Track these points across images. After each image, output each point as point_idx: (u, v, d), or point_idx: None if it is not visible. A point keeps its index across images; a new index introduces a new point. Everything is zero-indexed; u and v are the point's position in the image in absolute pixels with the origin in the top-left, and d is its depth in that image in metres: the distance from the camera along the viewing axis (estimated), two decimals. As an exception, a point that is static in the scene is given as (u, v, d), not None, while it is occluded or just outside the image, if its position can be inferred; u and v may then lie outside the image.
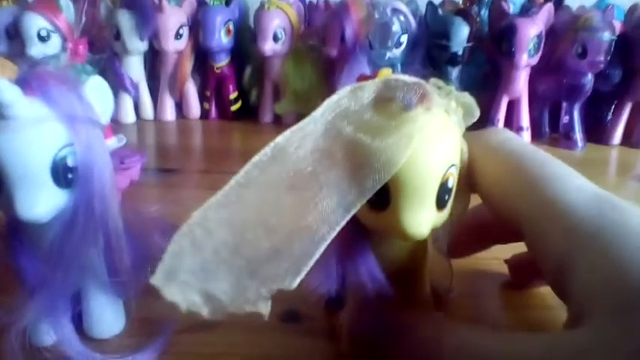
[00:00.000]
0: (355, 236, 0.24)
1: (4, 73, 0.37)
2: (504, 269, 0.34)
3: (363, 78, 0.24)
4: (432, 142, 0.22)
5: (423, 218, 0.22)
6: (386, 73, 0.24)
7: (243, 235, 0.23)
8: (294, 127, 0.23)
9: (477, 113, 0.24)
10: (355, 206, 0.22)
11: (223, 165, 0.57)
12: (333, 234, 0.22)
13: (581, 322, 0.19)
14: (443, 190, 0.22)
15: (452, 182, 0.23)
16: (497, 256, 0.33)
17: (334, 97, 0.23)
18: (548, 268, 0.22)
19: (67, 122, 0.23)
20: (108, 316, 0.28)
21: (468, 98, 0.24)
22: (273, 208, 0.23)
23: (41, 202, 0.22)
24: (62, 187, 0.23)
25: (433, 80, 0.24)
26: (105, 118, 0.26)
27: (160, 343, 0.27)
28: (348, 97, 0.23)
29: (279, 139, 0.23)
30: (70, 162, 0.23)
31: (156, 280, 0.24)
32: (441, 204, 0.23)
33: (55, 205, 0.23)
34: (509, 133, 0.26)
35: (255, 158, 0.23)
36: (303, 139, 0.23)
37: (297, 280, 0.21)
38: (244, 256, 0.23)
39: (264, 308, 0.22)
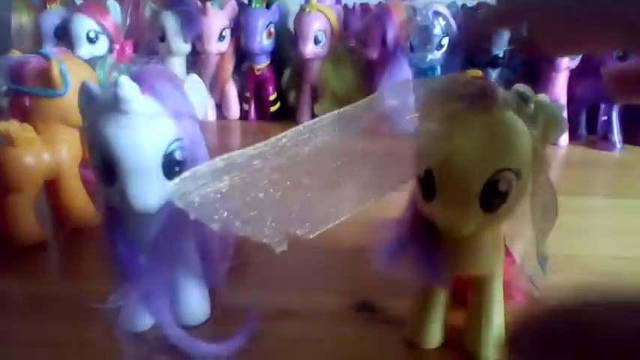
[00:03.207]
0: (423, 229, 0.25)
1: (83, 71, 0.38)
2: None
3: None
4: (480, 141, 0.22)
5: (461, 214, 0.22)
6: (473, 73, 0.25)
7: (284, 182, 0.23)
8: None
9: (564, 126, 0.24)
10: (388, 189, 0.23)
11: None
12: (354, 211, 0.23)
13: None
14: (489, 192, 0.22)
15: (504, 186, 0.22)
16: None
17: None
18: None
19: (175, 118, 0.24)
20: (196, 305, 0.29)
21: (554, 112, 0.24)
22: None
23: (152, 193, 0.24)
24: (170, 179, 0.24)
25: (519, 86, 0.24)
26: (201, 113, 0.27)
27: (247, 330, 0.28)
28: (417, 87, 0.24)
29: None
30: (178, 156, 0.24)
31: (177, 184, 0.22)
32: (488, 206, 0.22)
33: (164, 197, 0.24)
34: None
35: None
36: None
37: (314, 234, 0.22)
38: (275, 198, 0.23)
39: (278, 245, 0.22)
